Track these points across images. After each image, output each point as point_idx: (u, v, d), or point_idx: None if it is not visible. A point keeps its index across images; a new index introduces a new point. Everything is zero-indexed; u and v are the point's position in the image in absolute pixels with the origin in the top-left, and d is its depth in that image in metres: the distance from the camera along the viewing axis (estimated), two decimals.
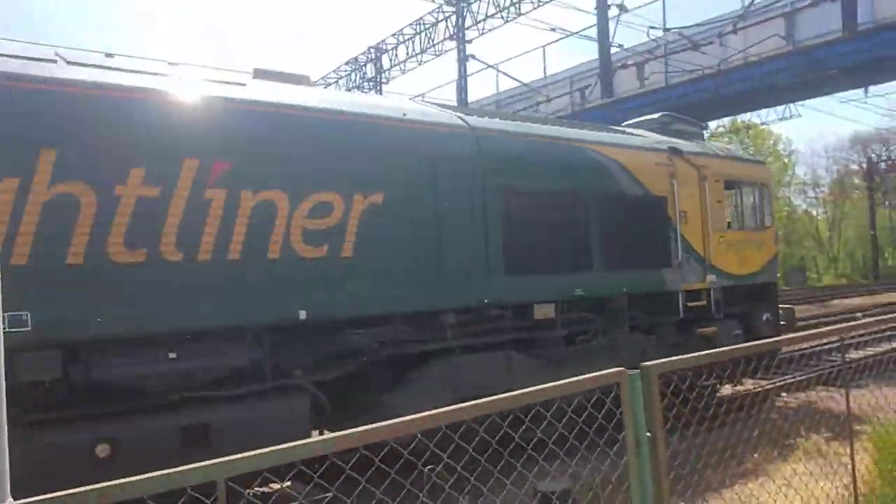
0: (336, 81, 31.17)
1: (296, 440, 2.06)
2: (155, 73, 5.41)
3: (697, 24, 18.55)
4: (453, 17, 25.84)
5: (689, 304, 9.02)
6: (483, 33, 25.41)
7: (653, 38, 19.14)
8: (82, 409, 4.82)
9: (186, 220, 5.03)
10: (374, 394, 6.40)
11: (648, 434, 2.84)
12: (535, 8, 22.48)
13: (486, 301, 6.89)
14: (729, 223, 10.26)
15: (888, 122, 49.98)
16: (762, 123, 33.92)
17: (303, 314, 5.58)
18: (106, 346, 4.89)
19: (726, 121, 32.75)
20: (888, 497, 4.85)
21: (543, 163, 7.62)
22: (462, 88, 25.04)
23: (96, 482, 1.70)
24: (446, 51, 27.06)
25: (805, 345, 12.34)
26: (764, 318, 10.34)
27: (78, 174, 4.64)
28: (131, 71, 5.29)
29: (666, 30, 18.81)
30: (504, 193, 7.03)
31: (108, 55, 5.55)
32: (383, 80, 28.71)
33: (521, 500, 4.01)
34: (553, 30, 19.86)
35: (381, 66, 29.30)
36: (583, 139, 8.30)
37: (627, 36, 33.10)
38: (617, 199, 8.26)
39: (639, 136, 9.59)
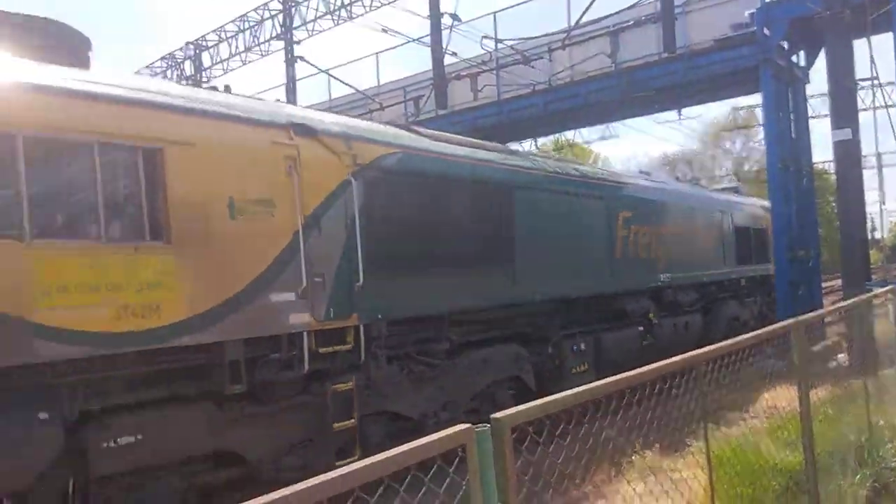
0: (154, 76, 28.73)
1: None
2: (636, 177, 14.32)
3: (528, 38, 18.79)
4: (280, 16, 24.59)
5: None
6: (312, 34, 24.39)
7: (486, 49, 19.17)
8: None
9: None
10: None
11: None
12: (367, 11, 21.92)
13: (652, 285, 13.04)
14: None
15: (693, 144, 54.71)
16: (585, 142, 35.72)
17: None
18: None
19: (551, 138, 33.98)
20: None
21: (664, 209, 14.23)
22: (291, 91, 23.86)
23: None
24: (274, 51, 25.74)
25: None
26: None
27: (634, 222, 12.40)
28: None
29: (498, 41, 18.90)
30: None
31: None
32: (204, 80, 26.77)
33: None
34: (385, 31, 19.32)
35: (202, 63, 27.34)
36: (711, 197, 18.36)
37: (462, 45, 33.46)
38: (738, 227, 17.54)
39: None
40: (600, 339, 11.32)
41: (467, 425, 2.21)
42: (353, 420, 6.99)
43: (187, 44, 27.50)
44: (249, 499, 1.65)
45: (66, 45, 6.16)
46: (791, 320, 5.49)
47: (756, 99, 18.34)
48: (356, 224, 7.19)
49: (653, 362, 3.70)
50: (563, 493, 5.69)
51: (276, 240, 6.50)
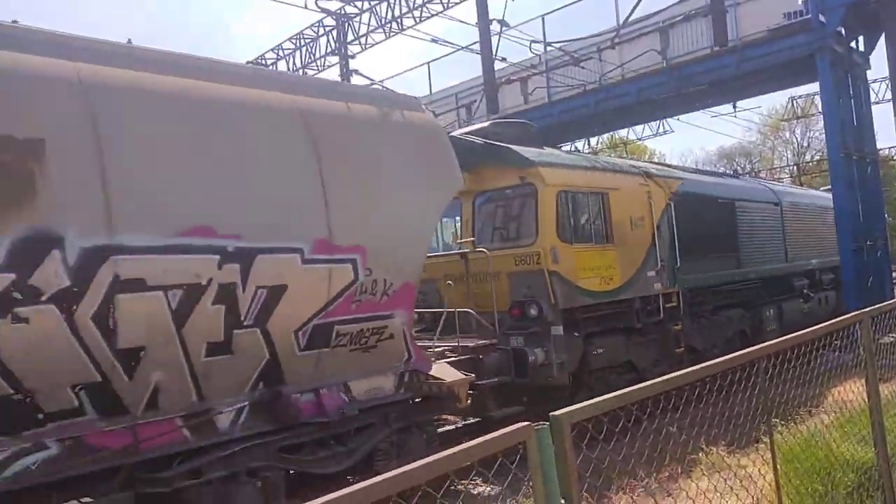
0: None
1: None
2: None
3: (577, 39, 18.77)
4: (335, 32, 25.15)
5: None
6: (366, 48, 24.90)
7: (535, 52, 19.21)
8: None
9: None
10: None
11: (563, 501, 2.36)
12: (417, 22, 22.24)
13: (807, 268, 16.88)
14: None
15: (751, 136, 53.37)
16: (638, 139, 35.25)
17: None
18: None
19: (605, 136, 33.67)
20: None
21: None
22: None
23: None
24: (329, 66, 26.33)
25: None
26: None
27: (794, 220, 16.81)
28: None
29: (547, 44, 18.93)
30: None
31: None
32: None
33: None
34: (434, 41, 19.57)
35: None
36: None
37: (513, 50, 33.46)
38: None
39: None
40: (780, 307, 15.15)
41: (527, 423, 2.33)
42: (681, 349, 11.45)
43: (247, 63, 28.34)
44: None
45: (531, 134, 11.45)
46: (857, 312, 5.41)
47: (816, 87, 17.83)
48: (674, 229, 11.71)
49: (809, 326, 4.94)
50: (629, 490, 5.72)
51: (645, 241, 11.14)
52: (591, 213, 10.34)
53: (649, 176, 11.74)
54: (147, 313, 5.36)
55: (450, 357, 8.70)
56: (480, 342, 9.14)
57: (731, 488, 4.56)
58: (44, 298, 4.84)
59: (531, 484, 2.35)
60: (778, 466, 4.59)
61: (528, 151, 10.08)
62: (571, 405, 2.53)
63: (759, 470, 4.91)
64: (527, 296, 9.55)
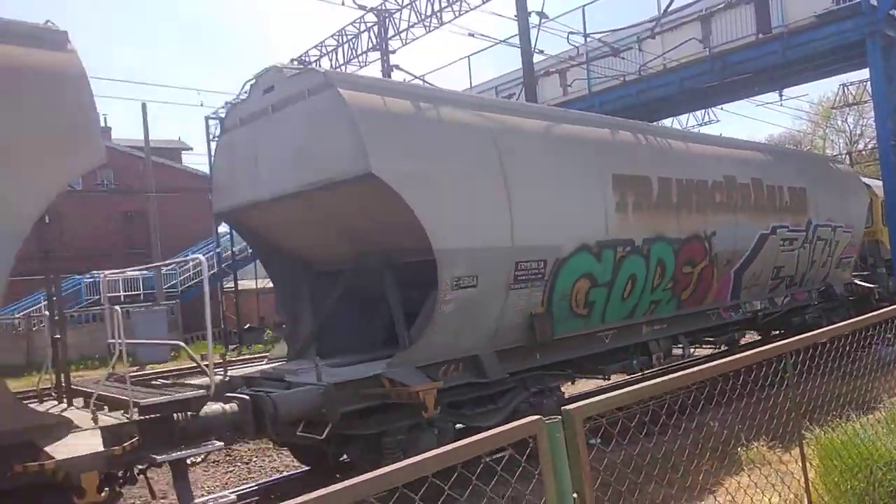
0: None
1: None
2: None
3: (617, 30, 18.53)
4: (376, 28, 25.31)
5: None
6: (406, 43, 25.01)
7: (574, 44, 19.05)
8: None
9: None
10: None
11: (576, 495, 2.38)
12: (456, 17, 22.23)
13: None
14: None
15: (801, 124, 51.95)
16: (684, 129, 34.57)
17: None
18: None
19: None
20: None
21: None
22: None
23: None
24: (371, 62, 26.53)
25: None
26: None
27: None
28: None
29: (586, 36, 18.73)
30: None
31: None
32: None
33: None
34: (472, 35, 19.55)
35: None
36: None
37: (550, 42, 33.25)
38: None
39: None
40: None
41: (537, 417, 2.36)
42: None
43: (291, 61, 28.71)
44: None
45: None
46: None
47: (867, 73, 17.29)
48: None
49: None
50: (666, 485, 5.68)
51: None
52: None
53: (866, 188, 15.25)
54: None
55: None
56: None
57: (773, 485, 4.50)
58: None
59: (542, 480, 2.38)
60: (810, 462, 4.52)
61: None
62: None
63: (800, 466, 4.84)
64: None
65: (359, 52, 26.58)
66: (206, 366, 5.97)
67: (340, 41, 27.09)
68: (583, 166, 8.51)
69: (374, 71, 26.27)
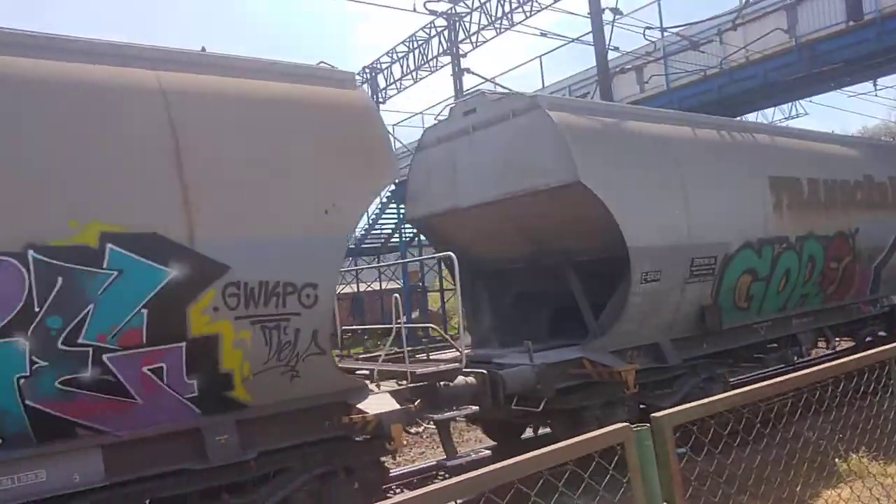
0: None
1: None
2: None
3: (695, 23, 17.99)
4: (446, 32, 25.37)
5: None
6: (477, 46, 24.95)
7: (650, 39, 18.59)
8: None
9: None
10: None
11: None
12: (527, 17, 22.04)
13: None
14: None
15: None
16: (770, 123, 33.28)
17: None
18: None
19: None
20: None
21: None
22: None
23: None
24: (441, 66, 26.59)
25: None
26: None
27: None
28: None
29: (663, 30, 18.26)
30: None
31: None
32: (380, 100, 28.21)
33: None
34: (544, 35, 19.35)
35: (378, 85, 28.83)
36: None
37: (625, 39, 32.60)
38: None
39: None
40: None
41: (624, 424, 2.26)
42: None
43: (364, 68, 29.15)
44: None
45: None
46: None
47: None
48: None
49: None
50: (760, 497, 5.43)
51: None
52: None
53: None
54: None
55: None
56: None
57: (877, 499, 4.23)
58: None
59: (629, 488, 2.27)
60: None
61: None
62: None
63: None
64: None
65: (429, 56, 26.72)
66: (458, 343, 7.27)
67: (411, 47, 27.30)
68: (745, 170, 9.50)
69: (444, 75, 26.34)
